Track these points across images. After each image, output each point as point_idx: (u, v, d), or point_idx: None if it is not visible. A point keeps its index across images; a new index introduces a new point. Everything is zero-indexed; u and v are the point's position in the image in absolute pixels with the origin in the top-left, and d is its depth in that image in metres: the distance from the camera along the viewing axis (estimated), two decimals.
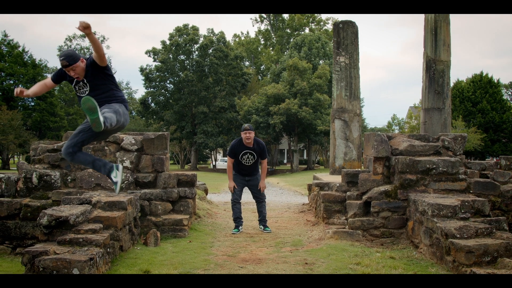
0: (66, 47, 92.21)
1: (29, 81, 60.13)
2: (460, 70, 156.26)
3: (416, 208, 7.67)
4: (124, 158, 9.07)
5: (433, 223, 6.88)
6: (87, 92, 6.00)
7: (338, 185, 9.58)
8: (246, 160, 9.37)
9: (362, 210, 8.58)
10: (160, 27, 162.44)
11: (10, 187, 8.74)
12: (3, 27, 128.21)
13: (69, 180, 8.89)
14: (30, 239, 8.19)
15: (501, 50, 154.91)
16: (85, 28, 5.32)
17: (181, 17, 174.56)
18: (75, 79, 6.00)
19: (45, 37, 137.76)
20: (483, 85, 62.43)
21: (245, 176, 9.60)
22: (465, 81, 65.01)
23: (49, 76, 6.41)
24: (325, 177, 12.85)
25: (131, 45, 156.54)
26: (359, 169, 9.74)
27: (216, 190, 20.15)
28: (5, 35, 64.46)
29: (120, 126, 6.07)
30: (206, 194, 13.34)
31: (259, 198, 9.68)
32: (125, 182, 8.89)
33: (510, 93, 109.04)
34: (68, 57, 5.81)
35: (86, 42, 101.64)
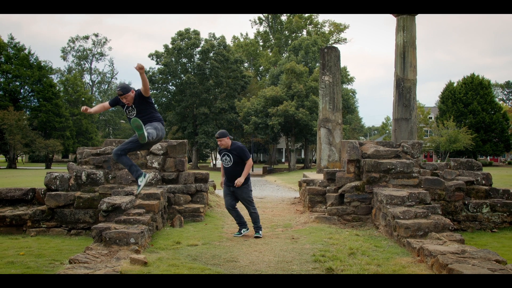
0: (69, 48, 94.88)
1: (35, 82, 61.94)
2: (459, 69, 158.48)
3: (377, 198, 10.18)
4: (153, 161, 11.62)
5: (387, 209, 9.36)
6: (134, 115, 8.46)
7: (320, 181, 12.18)
8: (224, 162, 9.77)
9: (338, 200, 11.11)
10: (157, 25, 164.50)
11: (63, 183, 11.18)
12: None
13: (110, 177, 11.35)
14: (81, 223, 10.64)
15: (500, 49, 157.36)
16: (140, 69, 7.79)
17: (179, 16, 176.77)
18: (126, 105, 8.47)
19: (42, 35, 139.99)
20: (474, 86, 64.59)
21: (229, 186, 9.92)
22: (459, 81, 67.13)
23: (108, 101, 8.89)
24: (312, 175, 15.41)
25: (129, 43, 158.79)
26: (337, 169, 12.26)
27: (220, 187, 22.43)
28: (12, 38, 65.61)
29: (159, 139, 8.56)
30: (214, 189, 15.94)
31: (248, 208, 9.86)
32: (154, 179, 11.41)
33: (506, 92, 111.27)
34: (123, 89, 8.30)
35: (88, 44, 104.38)
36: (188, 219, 11.16)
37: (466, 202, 11.14)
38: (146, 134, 7.92)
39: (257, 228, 9.73)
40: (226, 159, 9.70)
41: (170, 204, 11.28)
